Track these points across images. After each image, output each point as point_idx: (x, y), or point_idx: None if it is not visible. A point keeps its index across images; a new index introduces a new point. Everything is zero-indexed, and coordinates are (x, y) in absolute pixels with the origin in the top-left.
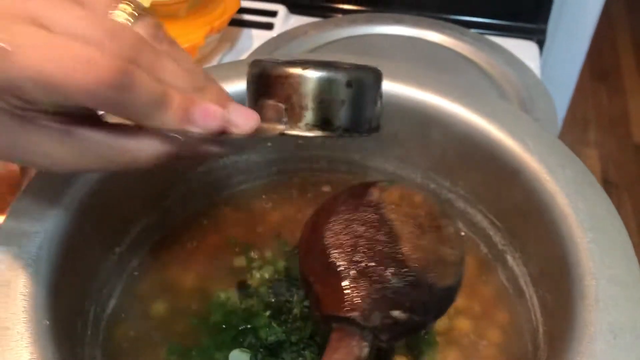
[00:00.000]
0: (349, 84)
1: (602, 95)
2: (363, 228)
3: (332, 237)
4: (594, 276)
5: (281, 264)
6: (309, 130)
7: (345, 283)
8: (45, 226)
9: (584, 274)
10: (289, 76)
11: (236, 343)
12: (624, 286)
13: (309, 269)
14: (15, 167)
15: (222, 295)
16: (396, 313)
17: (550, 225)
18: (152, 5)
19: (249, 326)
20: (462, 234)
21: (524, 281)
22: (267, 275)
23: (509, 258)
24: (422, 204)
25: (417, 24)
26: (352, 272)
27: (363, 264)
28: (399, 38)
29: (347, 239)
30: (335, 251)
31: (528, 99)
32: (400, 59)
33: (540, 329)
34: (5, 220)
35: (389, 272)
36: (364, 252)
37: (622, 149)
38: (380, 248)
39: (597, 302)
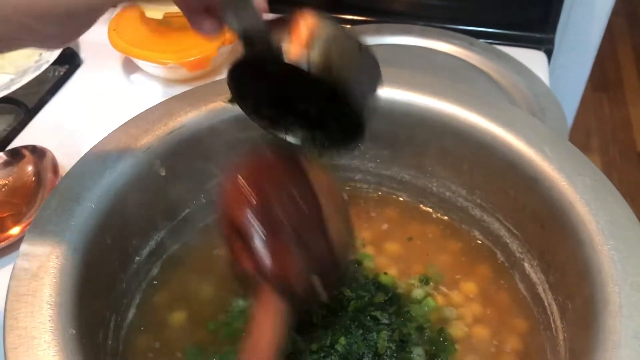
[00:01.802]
0: (360, 48)
1: (604, 105)
2: (297, 193)
3: (276, 194)
4: (617, 283)
5: None
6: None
7: (293, 251)
8: (68, 237)
9: (607, 280)
10: (308, 16)
11: None
12: None
13: (245, 220)
14: (31, 179)
15: (242, 303)
16: (320, 289)
17: (570, 233)
18: (165, 16)
19: None
20: (479, 242)
21: (542, 289)
22: None
23: (527, 266)
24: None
25: (425, 34)
26: (297, 241)
27: (305, 237)
28: (408, 48)
29: (287, 202)
30: (283, 213)
31: (538, 107)
32: (409, 69)
33: (560, 336)
34: (28, 232)
35: (322, 250)
36: (304, 222)
37: (625, 158)
38: (316, 223)
39: (621, 308)
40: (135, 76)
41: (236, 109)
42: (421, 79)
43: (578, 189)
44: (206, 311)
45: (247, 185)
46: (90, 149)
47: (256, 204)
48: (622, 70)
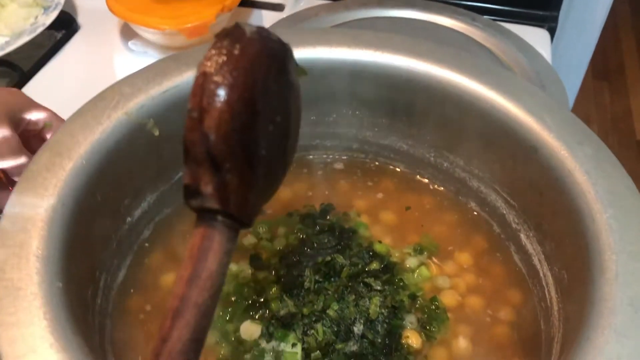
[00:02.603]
0: None
1: (605, 94)
2: (279, 118)
3: (263, 102)
4: (614, 251)
5: (293, 238)
6: None
7: (256, 187)
8: (57, 192)
9: (604, 249)
10: None
11: (247, 315)
12: None
13: (229, 150)
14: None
15: (234, 268)
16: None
17: (568, 202)
18: None
19: (261, 299)
20: (475, 213)
21: (538, 259)
22: (278, 248)
23: (523, 237)
24: None
25: (428, 8)
26: (263, 174)
27: (272, 160)
28: (410, 21)
29: (269, 115)
30: (263, 144)
31: (539, 84)
32: None
33: (555, 307)
34: (18, 185)
35: (279, 177)
36: (275, 141)
37: (624, 146)
38: (281, 141)
39: (617, 276)
40: (133, 42)
41: None
42: (422, 45)
43: (578, 157)
44: None
45: (237, 91)
46: (83, 105)
47: (244, 121)
48: (625, 59)
